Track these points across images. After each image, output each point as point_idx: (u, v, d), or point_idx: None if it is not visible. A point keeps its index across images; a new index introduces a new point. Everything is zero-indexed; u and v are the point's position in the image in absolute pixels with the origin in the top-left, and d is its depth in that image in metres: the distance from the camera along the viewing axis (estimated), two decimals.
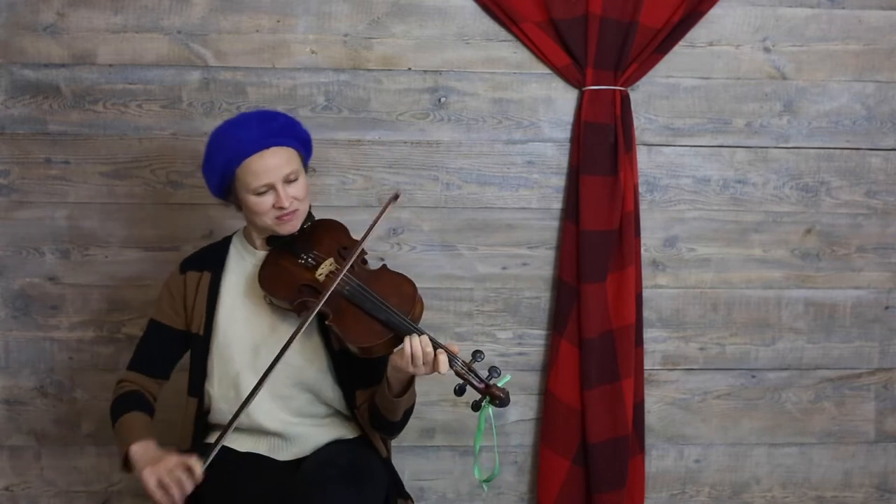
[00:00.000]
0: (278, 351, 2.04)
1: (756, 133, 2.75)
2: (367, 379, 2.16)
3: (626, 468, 2.70)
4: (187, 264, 2.25)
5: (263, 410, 2.14)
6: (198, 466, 1.95)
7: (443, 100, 2.69)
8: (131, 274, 2.68)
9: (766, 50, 2.73)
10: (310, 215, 2.22)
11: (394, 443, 2.34)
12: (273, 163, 2.09)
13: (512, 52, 2.69)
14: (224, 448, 2.16)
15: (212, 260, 2.24)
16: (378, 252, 2.67)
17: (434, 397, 2.73)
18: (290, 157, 2.12)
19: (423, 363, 1.97)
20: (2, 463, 2.73)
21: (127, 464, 2.06)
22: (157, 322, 2.23)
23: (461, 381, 1.98)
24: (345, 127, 2.67)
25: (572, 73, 2.67)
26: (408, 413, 2.13)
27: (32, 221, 2.66)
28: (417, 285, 2.12)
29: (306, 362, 2.15)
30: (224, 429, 2.01)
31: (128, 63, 2.63)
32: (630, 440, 2.70)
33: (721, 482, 2.85)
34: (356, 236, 2.18)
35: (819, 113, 2.76)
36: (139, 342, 2.26)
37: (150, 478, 1.94)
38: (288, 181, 2.11)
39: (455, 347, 1.99)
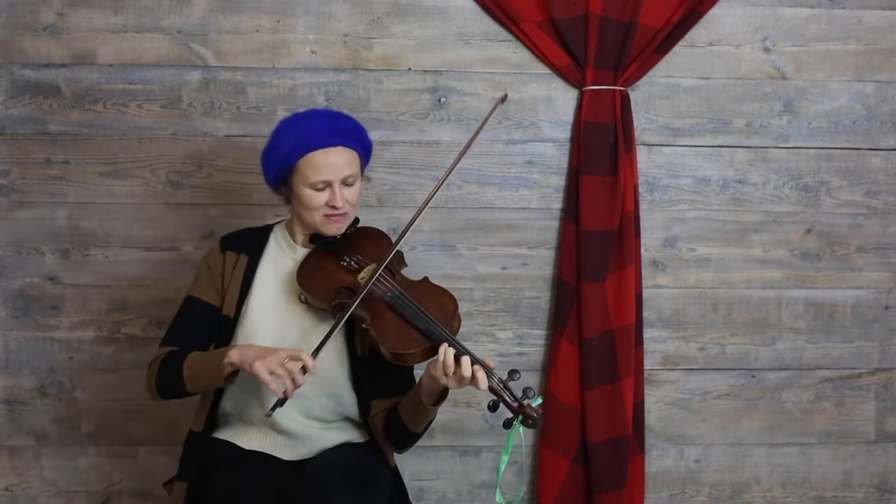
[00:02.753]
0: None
1: (756, 133, 2.75)
2: (389, 388, 2.16)
3: (626, 468, 2.70)
4: (228, 243, 2.24)
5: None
6: (309, 359, 1.94)
7: (443, 100, 2.69)
8: (131, 274, 2.68)
9: (766, 50, 2.73)
10: (355, 221, 2.23)
11: None
12: (337, 161, 2.11)
13: (512, 52, 2.69)
14: (229, 444, 2.16)
15: (251, 244, 2.24)
16: None
17: None
18: (352, 159, 2.14)
19: (458, 378, 1.94)
20: (2, 463, 2.73)
21: (228, 376, 2.02)
22: (195, 298, 2.20)
23: (495, 398, 1.94)
24: None
25: (572, 73, 2.67)
26: (427, 426, 2.13)
27: (32, 221, 2.66)
28: None
29: (331, 367, 2.14)
30: (337, 321, 1.99)
31: (128, 63, 2.63)
32: (630, 440, 2.70)
33: (721, 482, 2.85)
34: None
35: (819, 113, 2.76)
36: (173, 320, 2.22)
37: (261, 369, 1.93)
38: (346, 183, 2.13)
39: (492, 363, 1.97)
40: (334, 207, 2.12)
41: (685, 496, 2.85)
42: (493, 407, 1.94)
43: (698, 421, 2.83)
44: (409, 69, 2.68)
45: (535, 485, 2.77)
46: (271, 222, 2.32)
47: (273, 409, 1.96)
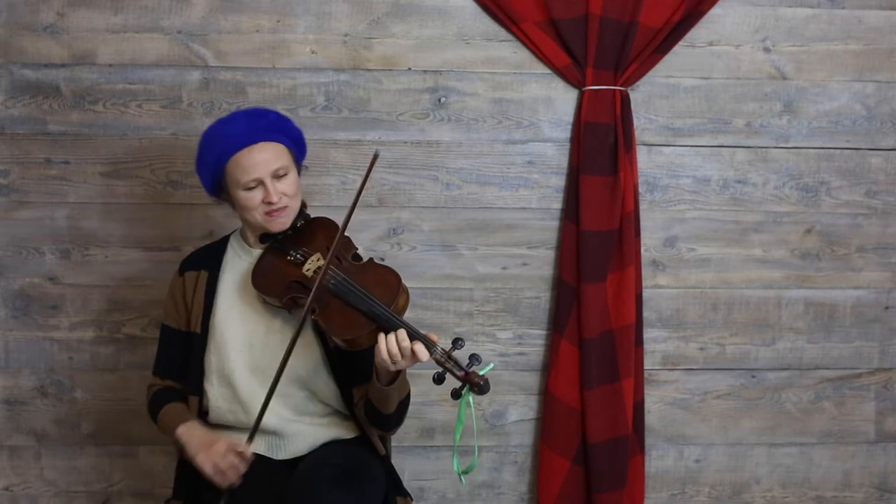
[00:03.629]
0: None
1: (756, 133, 2.75)
2: (362, 375, 2.16)
3: (626, 468, 2.70)
4: (185, 265, 2.27)
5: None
6: (248, 449, 2.02)
7: (443, 100, 2.69)
8: (131, 274, 2.69)
9: (766, 50, 2.73)
10: (305, 214, 2.22)
11: (394, 442, 2.34)
12: (261, 157, 2.11)
13: (512, 52, 2.69)
14: None
15: (209, 259, 2.26)
16: (378, 252, 2.67)
17: (434, 397, 2.73)
18: (278, 152, 2.14)
19: (402, 356, 1.96)
20: (2, 463, 2.74)
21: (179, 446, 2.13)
22: (166, 326, 2.27)
23: (440, 370, 1.96)
24: (345, 127, 2.67)
25: (572, 73, 2.67)
26: (403, 406, 2.12)
27: (32, 221, 2.66)
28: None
29: (300, 359, 2.15)
30: (263, 406, 2.03)
31: (128, 63, 2.63)
32: (630, 440, 2.70)
33: (721, 482, 2.85)
34: (349, 234, 2.18)
35: (819, 113, 2.76)
36: (157, 347, 2.30)
37: (205, 464, 2.03)
38: (277, 176, 2.12)
39: (435, 337, 1.98)
40: (270, 203, 2.12)
41: (685, 496, 2.85)
42: (438, 379, 1.95)
43: (698, 421, 2.83)
44: (409, 69, 2.68)
45: (535, 485, 2.77)
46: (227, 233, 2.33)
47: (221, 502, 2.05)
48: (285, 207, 2.14)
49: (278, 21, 2.65)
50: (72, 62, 2.62)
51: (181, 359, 2.25)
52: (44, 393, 2.72)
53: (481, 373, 1.93)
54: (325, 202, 2.64)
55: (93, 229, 2.67)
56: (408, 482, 2.57)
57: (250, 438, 2.03)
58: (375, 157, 2.10)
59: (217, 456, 2.02)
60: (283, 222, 2.16)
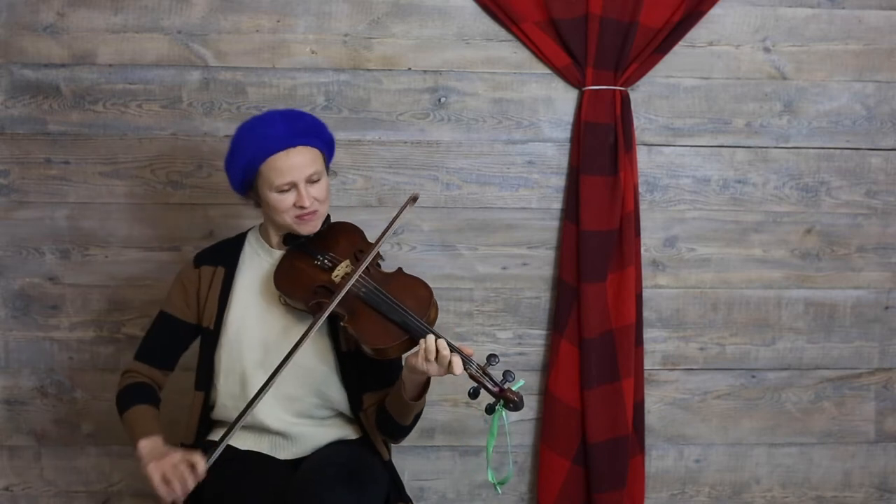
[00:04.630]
0: (288, 350, 2.07)
1: (756, 133, 2.75)
2: (377, 382, 2.17)
3: (626, 468, 2.70)
4: (202, 258, 2.26)
5: (267, 410, 2.14)
6: (201, 463, 1.97)
7: (443, 100, 2.69)
8: (131, 274, 2.69)
9: (766, 50, 2.73)
10: (327, 217, 2.23)
11: None
12: (298, 161, 2.11)
13: (512, 52, 2.69)
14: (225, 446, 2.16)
15: (226, 255, 2.25)
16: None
17: (434, 397, 2.72)
18: (314, 157, 2.14)
19: (439, 363, 1.97)
20: (2, 463, 2.74)
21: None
22: (167, 314, 2.24)
23: (475, 385, 1.97)
24: (345, 127, 2.67)
25: (572, 73, 2.67)
26: (416, 417, 2.14)
27: (32, 221, 2.66)
28: None
29: (317, 364, 2.15)
30: (229, 427, 2.01)
31: (128, 63, 2.63)
32: (630, 440, 2.70)
33: (721, 482, 2.85)
34: (371, 239, 2.19)
35: (819, 113, 2.76)
36: (147, 333, 2.27)
37: (154, 473, 1.97)
38: (310, 181, 2.13)
39: (469, 350, 2.00)
40: (303, 207, 2.12)
41: (685, 496, 2.85)
42: (473, 394, 1.98)
43: (698, 421, 2.83)
44: (409, 69, 2.68)
45: (535, 485, 2.77)
46: (244, 230, 2.33)
47: None
48: (315, 212, 2.15)
49: (278, 21, 2.65)
50: (72, 62, 2.62)
51: (172, 348, 2.24)
52: (44, 393, 2.72)
53: (514, 388, 1.96)
54: None
55: (93, 229, 2.67)
56: (408, 482, 2.57)
57: (208, 453, 1.99)
58: (414, 199, 2.14)
59: (167, 465, 1.97)
60: (313, 226, 2.17)
